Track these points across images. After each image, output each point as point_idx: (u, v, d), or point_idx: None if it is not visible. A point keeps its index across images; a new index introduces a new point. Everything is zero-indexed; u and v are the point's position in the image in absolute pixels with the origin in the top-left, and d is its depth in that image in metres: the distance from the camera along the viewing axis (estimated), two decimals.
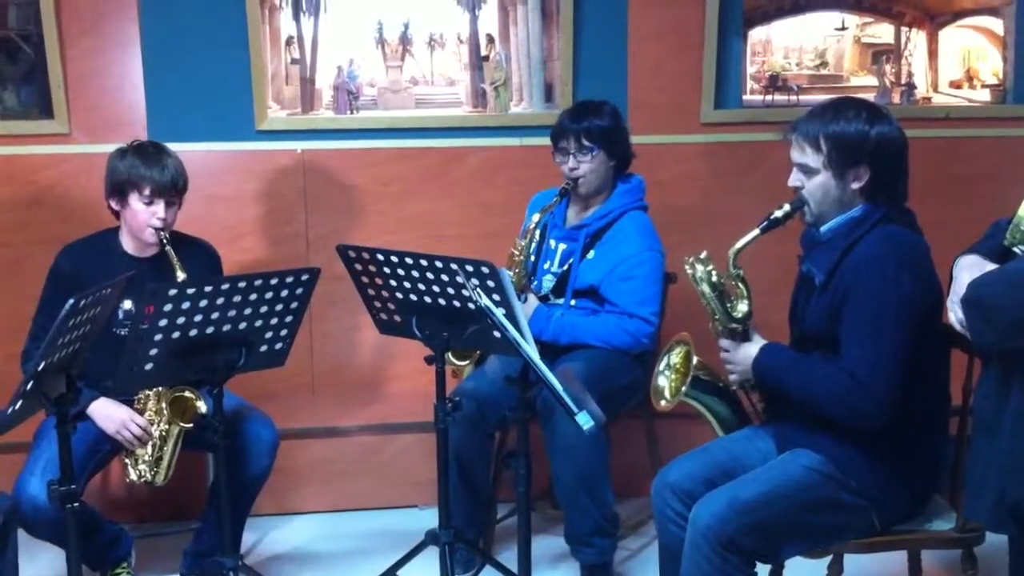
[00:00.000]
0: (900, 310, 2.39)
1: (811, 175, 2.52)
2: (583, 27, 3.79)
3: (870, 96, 4.02)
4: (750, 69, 4.00)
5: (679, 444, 2.98)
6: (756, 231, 2.55)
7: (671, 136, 3.90)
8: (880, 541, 2.55)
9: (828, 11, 4.01)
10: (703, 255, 2.64)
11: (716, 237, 2.78)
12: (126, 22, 3.67)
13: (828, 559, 2.61)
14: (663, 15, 3.84)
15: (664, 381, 2.78)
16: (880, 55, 4.08)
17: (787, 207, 2.55)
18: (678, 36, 3.85)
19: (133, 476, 3.15)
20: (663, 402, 2.75)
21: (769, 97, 4.00)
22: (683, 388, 2.67)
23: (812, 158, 2.51)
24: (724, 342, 2.64)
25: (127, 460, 3.15)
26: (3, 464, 3.11)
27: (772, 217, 2.55)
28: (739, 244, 2.56)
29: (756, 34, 3.99)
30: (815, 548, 2.54)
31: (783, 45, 4.04)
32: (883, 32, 4.06)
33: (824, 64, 4.09)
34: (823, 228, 2.57)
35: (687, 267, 2.64)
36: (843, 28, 4.03)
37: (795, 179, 2.56)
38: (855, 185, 2.51)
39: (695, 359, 2.68)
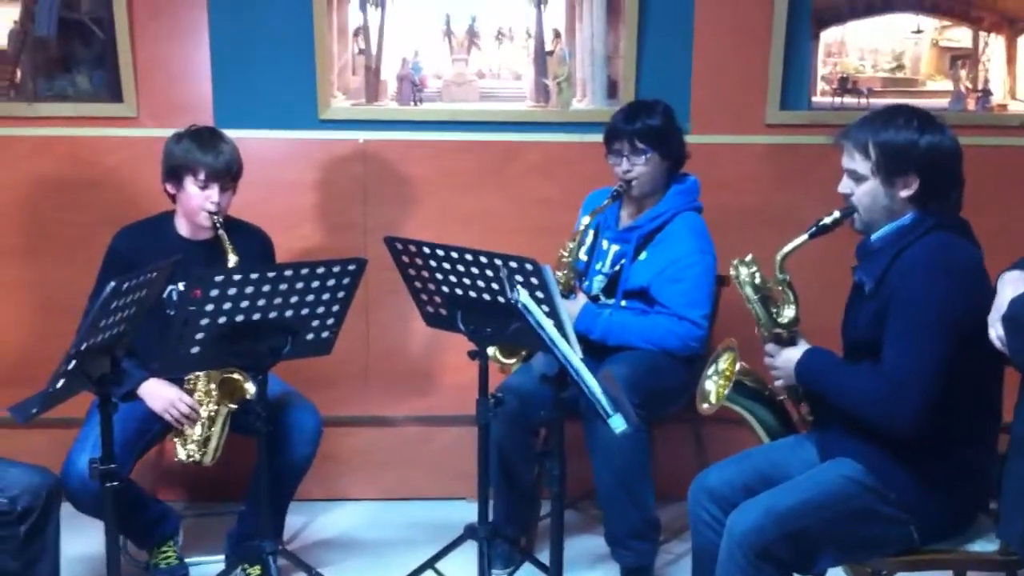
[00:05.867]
0: (942, 318, 2.34)
1: (860, 182, 2.49)
2: (648, 23, 3.73)
3: (944, 102, 3.91)
4: (823, 70, 3.91)
5: (726, 449, 2.93)
6: (804, 236, 2.54)
7: (734, 136, 3.82)
8: (920, 560, 2.49)
9: (904, 12, 3.90)
10: (748, 258, 2.65)
11: (773, 240, 2.72)
12: (195, 8, 3.71)
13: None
14: (730, 13, 3.76)
15: (711, 386, 2.77)
16: (957, 60, 3.95)
17: (836, 213, 2.53)
18: (745, 35, 3.77)
19: (182, 456, 3.20)
20: (705, 405, 2.74)
21: (839, 100, 3.91)
22: (725, 392, 2.64)
23: (861, 164, 2.48)
24: (769, 346, 2.62)
25: (176, 440, 3.21)
26: (53, 439, 3.17)
27: (821, 223, 2.53)
28: (786, 249, 2.55)
29: (831, 34, 3.90)
30: (852, 560, 2.50)
31: (859, 46, 3.94)
32: (962, 36, 3.94)
33: (900, 67, 3.98)
34: (874, 237, 2.54)
35: (732, 270, 2.64)
36: (919, 31, 3.92)
37: (845, 185, 2.54)
38: (904, 193, 2.47)
39: (739, 364, 2.66)
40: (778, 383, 2.65)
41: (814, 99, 3.90)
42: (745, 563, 2.39)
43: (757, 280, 2.60)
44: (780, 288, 2.59)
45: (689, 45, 3.78)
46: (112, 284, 2.36)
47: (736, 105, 3.81)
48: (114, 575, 2.63)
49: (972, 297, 2.36)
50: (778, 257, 2.56)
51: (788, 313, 2.60)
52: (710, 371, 2.78)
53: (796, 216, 3.50)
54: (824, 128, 3.81)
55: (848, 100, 3.91)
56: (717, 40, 3.78)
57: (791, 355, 2.57)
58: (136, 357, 2.95)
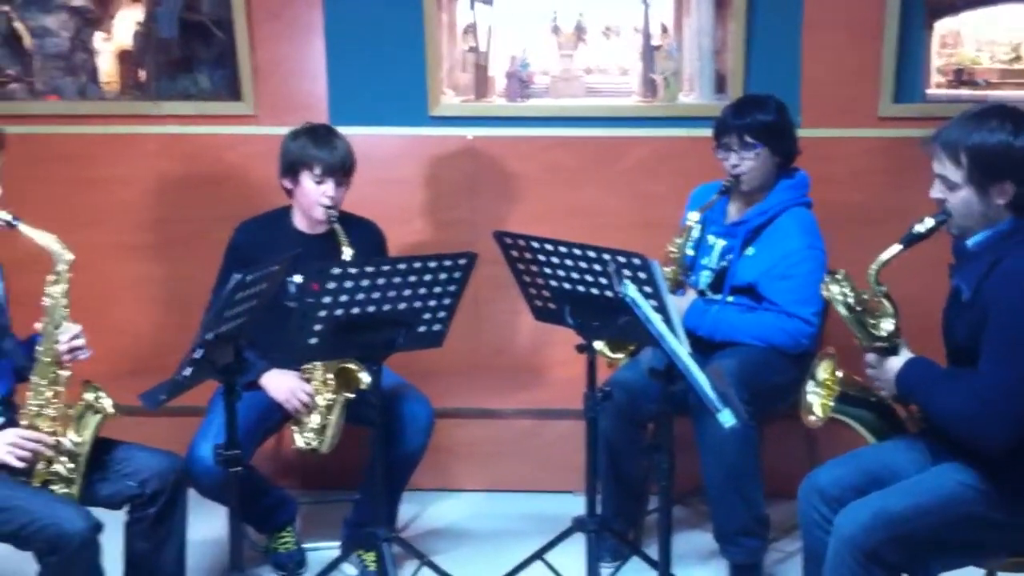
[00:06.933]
0: None
1: (953, 189, 2.42)
2: (756, 16, 3.70)
3: None
4: (938, 62, 3.83)
5: (837, 447, 2.92)
6: (898, 247, 2.47)
7: (846, 130, 3.77)
8: None
9: (1021, 2, 3.80)
10: (840, 274, 2.58)
11: (884, 238, 2.69)
12: (311, 9, 3.81)
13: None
14: (841, 4, 3.71)
15: (814, 398, 2.74)
16: None
17: (930, 221, 2.46)
18: (856, 26, 3.71)
19: (300, 443, 3.29)
20: (812, 418, 2.71)
21: (955, 91, 3.83)
22: (831, 404, 2.62)
23: (953, 172, 2.40)
24: (870, 357, 2.57)
25: (294, 428, 3.30)
26: (178, 426, 3.29)
27: (914, 232, 2.47)
28: (880, 260, 2.49)
29: (945, 25, 3.82)
30: (964, 564, 2.46)
31: (975, 37, 3.85)
32: None
33: (1019, 58, 3.88)
34: (970, 242, 2.47)
35: (823, 289, 2.59)
36: None
37: (937, 191, 2.46)
38: (1000, 200, 2.39)
39: (840, 374, 2.63)
40: (883, 393, 2.61)
41: (928, 91, 3.83)
42: (853, 564, 2.37)
43: (850, 299, 2.54)
44: (877, 299, 2.53)
45: (798, 37, 3.74)
46: (237, 276, 2.46)
47: (848, 98, 3.76)
48: (237, 557, 2.74)
49: None
50: (872, 269, 2.50)
51: (886, 326, 2.53)
52: (809, 385, 2.74)
53: (908, 213, 3.44)
54: (939, 121, 3.71)
55: (964, 92, 3.83)
56: (828, 32, 3.73)
57: (892, 366, 2.52)
58: (256, 348, 3.05)
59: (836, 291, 2.56)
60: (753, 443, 3.10)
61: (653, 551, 3.26)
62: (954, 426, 2.38)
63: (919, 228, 2.47)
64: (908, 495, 2.41)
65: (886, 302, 2.53)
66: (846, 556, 2.37)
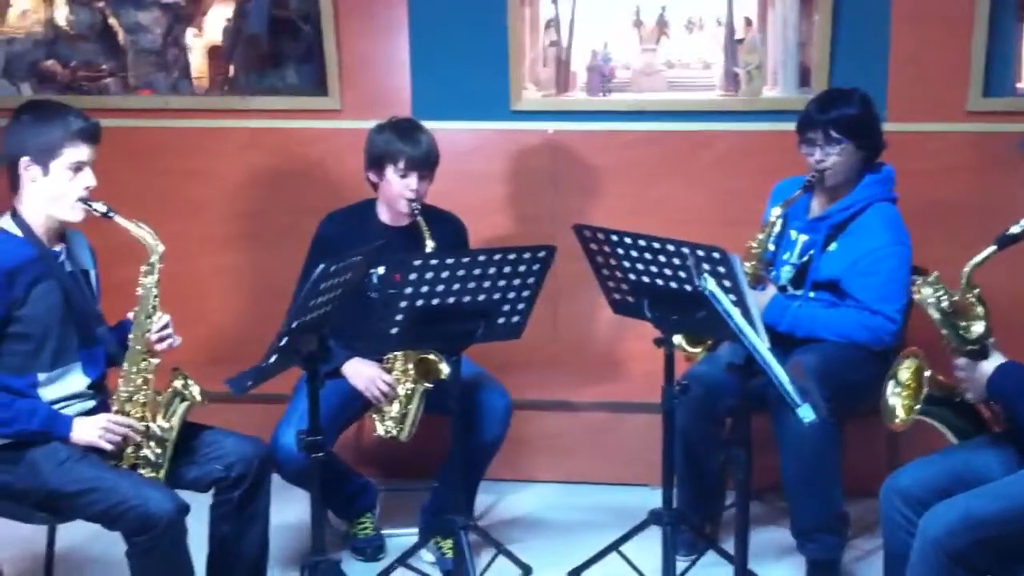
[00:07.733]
0: None
1: None
2: (843, 8, 3.67)
3: None
4: None
5: (919, 445, 2.88)
6: (992, 248, 2.43)
7: (934, 124, 3.72)
8: None
9: None
10: (932, 277, 2.54)
11: (972, 235, 2.65)
12: (395, 5, 3.88)
13: None
14: None
15: (895, 400, 2.70)
16: None
17: None
18: (945, 19, 3.66)
19: (380, 431, 3.34)
20: (897, 421, 2.67)
21: None
22: (917, 407, 2.59)
23: None
24: (961, 361, 2.53)
25: (375, 416, 3.35)
26: (263, 412, 3.37)
27: (1008, 233, 2.42)
28: (973, 262, 2.44)
29: None
30: None
31: None
32: None
33: None
34: None
35: (914, 291, 2.55)
36: None
37: None
38: None
39: (927, 373, 2.59)
40: (969, 396, 2.57)
41: (1019, 85, 3.75)
42: (939, 566, 2.33)
43: (943, 303, 2.51)
44: (969, 300, 2.49)
45: (886, 30, 3.69)
46: (322, 266, 2.51)
47: (936, 92, 3.71)
48: (318, 541, 2.79)
49: None
50: (965, 271, 2.46)
51: (977, 329, 2.49)
52: (890, 387, 2.70)
53: (998, 208, 3.40)
54: None
55: None
56: (916, 24, 3.68)
57: (984, 370, 2.48)
58: (338, 337, 3.11)
59: (929, 293, 2.52)
60: (833, 440, 3.07)
61: (729, 546, 3.24)
62: None
63: (1014, 229, 2.43)
64: (998, 498, 2.36)
65: (978, 304, 2.49)
66: (931, 558, 2.34)
